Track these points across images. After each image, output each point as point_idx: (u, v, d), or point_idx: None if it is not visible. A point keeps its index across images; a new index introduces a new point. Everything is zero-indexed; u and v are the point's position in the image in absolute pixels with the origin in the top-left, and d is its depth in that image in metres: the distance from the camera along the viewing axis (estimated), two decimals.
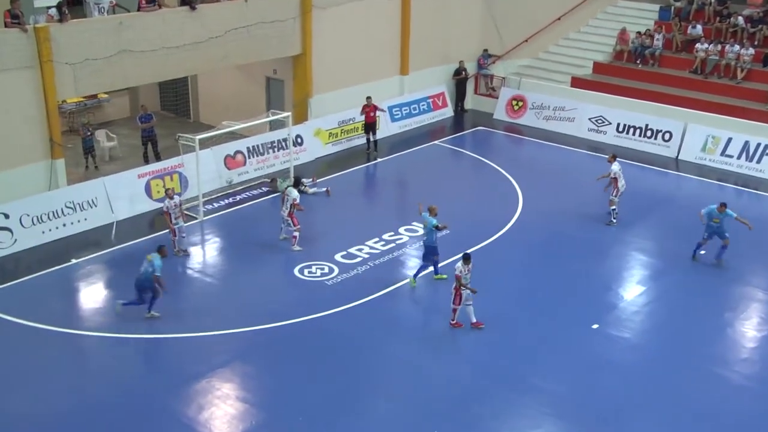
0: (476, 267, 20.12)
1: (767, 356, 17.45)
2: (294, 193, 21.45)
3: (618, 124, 30.75)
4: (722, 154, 28.67)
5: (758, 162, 27.97)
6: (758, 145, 28.03)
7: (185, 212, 22.17)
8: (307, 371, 16.40)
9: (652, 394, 15.84)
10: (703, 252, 21.21)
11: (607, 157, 23.90)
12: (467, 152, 30.07)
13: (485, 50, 34.53)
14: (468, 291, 17.60)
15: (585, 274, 20.43)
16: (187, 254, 21.21)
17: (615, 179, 23.01)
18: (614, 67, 33.57)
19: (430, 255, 19.76)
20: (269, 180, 25.88)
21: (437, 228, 19.43)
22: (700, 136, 29.15)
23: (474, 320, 17.78)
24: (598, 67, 33.87)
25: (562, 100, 32.12)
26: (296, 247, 21.18)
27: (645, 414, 15.28)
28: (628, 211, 23.53)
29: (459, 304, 17.72)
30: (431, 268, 19.96)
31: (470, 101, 34.54)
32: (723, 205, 20.95)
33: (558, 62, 34.46)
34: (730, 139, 28.57)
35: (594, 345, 17.51)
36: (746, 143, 28.25)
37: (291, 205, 21.23)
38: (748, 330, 18.38)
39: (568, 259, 21.16)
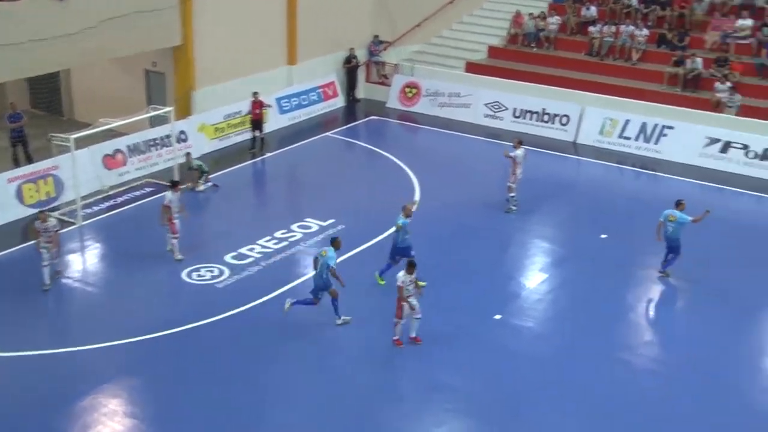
0: (371, 261, 20.28)
1: (669, 338, 18.16)
2: (168, 195, 20.65)
3: (515, 109, 31.38)
4: (620, 136, 29.61)
5: (656, 143, 29.00)
6: (655, 126, 29.06)
7: (64, 218, 21.52)
8: (201, 380, 16.19)
9: (559, 383, 16.24)
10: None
11: (512, 143, 24.25)
12: (360, 143, 30.22)
13: (376, 36, 34.72)
14: (409, 303, 16.95)
15: (486, 263, 20.80)
16: (60, 276, 20.09)
17: (516, 164, 23.46)
18: (509, 51, 34.27)
19: (398, 255, 19.47)
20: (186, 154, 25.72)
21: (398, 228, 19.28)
22: (598, 118, 30.03)
23: (413, 335, 17.32)
24: (492, 51, 34.51)
25: (456, 86, 32.57)
26: (178, 256, 20.72)
27: (553, 403, 15.64)
28: (528, 198, 24.05)
29: (401, 318, 17.11)
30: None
31: (362, 90, 34.70)
32: (680, 203, 20.14)
33: (452, 47, 34.95)
34: (627, 121, 29.53)
35: (498, 336, 17.85)
36: (643, 124, 29.25)
37: (163, 206, 20.51)
38: (651, 312, 19.08)
39: (467, 249, 21.49)
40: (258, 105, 28.52)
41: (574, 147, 29.86)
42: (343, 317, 17.98)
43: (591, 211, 23.99)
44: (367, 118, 32.49)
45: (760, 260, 21.26)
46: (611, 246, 21.91)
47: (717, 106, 29.26)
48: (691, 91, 30.36)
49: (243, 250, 21.15)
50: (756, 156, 27.49)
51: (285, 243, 21.69)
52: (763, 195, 25.93)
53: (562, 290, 19.87)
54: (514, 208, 23.66)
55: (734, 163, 27.72)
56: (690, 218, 19.55)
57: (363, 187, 25.80)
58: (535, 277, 20.38)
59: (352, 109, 33.70)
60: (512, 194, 23.67)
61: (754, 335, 18.27)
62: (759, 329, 18.54)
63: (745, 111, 28.83)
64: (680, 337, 18.12)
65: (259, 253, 21.12)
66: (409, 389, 16.07)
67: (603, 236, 22.31)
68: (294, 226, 22.57)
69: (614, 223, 23.14)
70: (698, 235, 20.43)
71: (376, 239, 21.89)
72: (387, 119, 32.54)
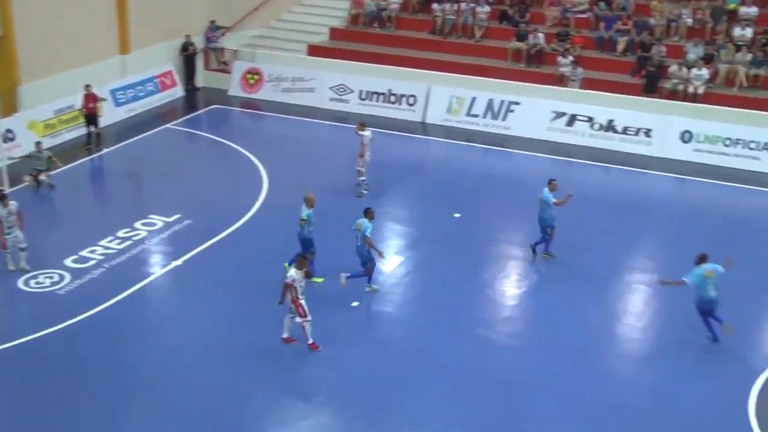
0: (222, 256, 20.10)
1: (527, 313, 18.78)
2: None
3: (360, 92, 31.61)
4: (468, 114, 30.28)
5: (503, 119, 29.81)
6: (502, 102, 29.87)
7: None
8: (49, 394, 15.64)
9: (422, 367, 16.53)
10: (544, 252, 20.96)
11: (354, 127, 24.46)
12: (203, 134, 29.81)
13: (213, 22, 34.21)
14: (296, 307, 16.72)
15: (339, 250, 20.86)
16: None
17: (363, 146, 23.65)
18: (351, 32, 34.47)
19: (302, 248, 19.20)
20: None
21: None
22: (445, 97, 30.61)
23: (285, 335, 17.16)
24: (334, 33, 34.63)
25: (300, 70, 32.53)
26: (11, 266, 19.84)
27: (418, 388, 15.91)
28: (379, 180, 24.32)
29: (306, 316, 16.72)
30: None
31: (201, 78, 34.17)
32: (550, 181, 20.38)
33: (292, 30, 34.87)
34: (474, 99, 30.22)
35: (357, 323, 18.01)
36: (490, 101, 30.01)
37: None
38: (507, 288, 19.64)
39: (320, 237, 21.50)
40: (91, 98, 27.65)
41: (423, 127, 30.36)
42: (373, 285, 18.93)
43: (443, 191, 24.46)
44: (208, 108, 32.05)
45: (611, 231, 22.21)
46: (465, 224, 22.42)
47: (561, 81, 30.34)
48: (535, 67, 31.35)
49: (84, 253, 20.52)
50: (601, 128, 28.68)
51: (129, 242, 21.18)
52: (608, 165, 27.11)
53: (419, 272, 20.21)
54: (365, 192, 23.87)
55: (580, 136, 28.83)
56: (553, 200, 20.10)
57: (208, 179, 25.46)
58: (390, 261, 20.64)
59: (192, 98, 33.17)
60: (362, 178, 23.88)
61: (608, 306, 19.06)
62: (614, 301, 19.34)
63: (587, 84, 30.02)
64: (537, 312, 18.76)
65: (101, 254, 20.54)
66: (267, 385, 15.99)
67: (456, 215, 22.81)
68: (138, 224, 22.06)
69: (467, 202, 23.68)
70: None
71: (227, 232, 21.68)
72: (229, 107, 32.20)
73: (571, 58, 30.46)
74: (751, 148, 27.08)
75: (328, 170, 25.72)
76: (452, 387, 15.95)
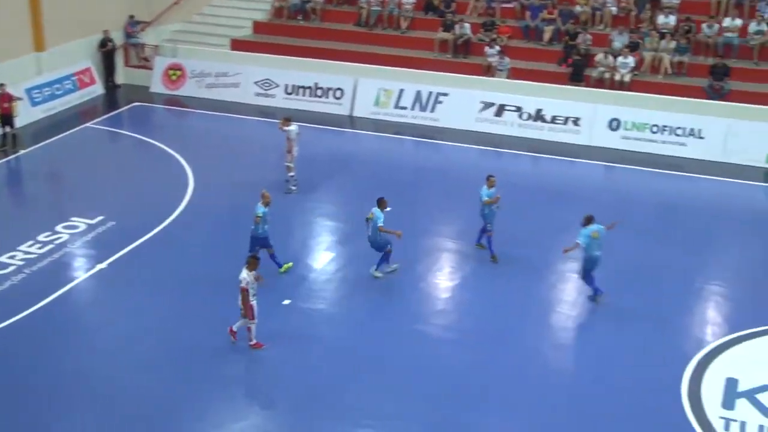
0: (149, 257, 19.87)
1: (462, 305, 18.90)
2: None
3: (286, 86, 31.46)
4: (396, 106, 30.35)
5: (432, 111, 29.95)
6: (430, 93, 30.01)
7: None
8: None
9: (358, 362, 16.52)
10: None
11: (280, 121, 24.32)
12: (125, 132, 29.37)
13: (131, 16, 33.69)
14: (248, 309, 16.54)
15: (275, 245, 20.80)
16: None
17: (291, 142, 23.53)
18: (275, 25, 34.29)
19: (257, 246, 19.12)
20: None
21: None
22: (372, 90, 30.63)
23: (233, 328, 16.94)
24: (258, 26, 34.42)
25: (223, 65, 32.25)
26: None
27: (355, 383, 15.89)
28: (308, 176, 24.24)
29: (253, 318, 16.58)
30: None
31: (122, 75, 33.66)
32: (488, 178, 20.17)
33: (214, 24, 34.57)
34: (402, 91, 30.32)
35: (289, 321, 17.90)
36: (418, 93, 30.13)
37: None
38: (441, 281, 19.74)
39: (248, 237, 21.34)
40: (5, 98, 27.02)
41: (351, 120, 30.37)
42: (392, 265, 19.49)
43: (374, 185, 24.36)
44: (130, 105, 31.57)
45: (543, 220, 22.47)
46: (397, 217, 22.41)
47: (488, 71, 30.60)
48: (463, 57, 31.56)
49: (3, 259, 20.03)
50: (529, 117, 29.00)
51: (51, 246, 20.75)
52: (538, 155, 27.44)
53: (351, 268, 20.18)
54: (294, 188, 23.77)
55: (509, 126, 29.12)
56: (485, 198, 19.99)
57: (132, 179, 25.08)
58: (322, 257, 20.60)
59: (112, 96, 32.64)
60: (291, 174, 23.76)
61: (542, 295, 19.28)
62: (548, 290, 19.56)
63: (515, 73, 30.32)
64: (472, 304, 18.90)
65: (22, 260, 20.08)
66: (203, 387, 15.82)
67: (388, 209, 22.78)
68: (59, 227, 21.62)
69: (398, 195, 23.62)
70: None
71: (153, 232, 21.40)
72: (152, 105, 31.78)
73: (497, 48, 30.73)
74: (678, 135, 27.67)
75: (256, 167, 25.55)
76: (389, 381, 15.98)
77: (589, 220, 18.48)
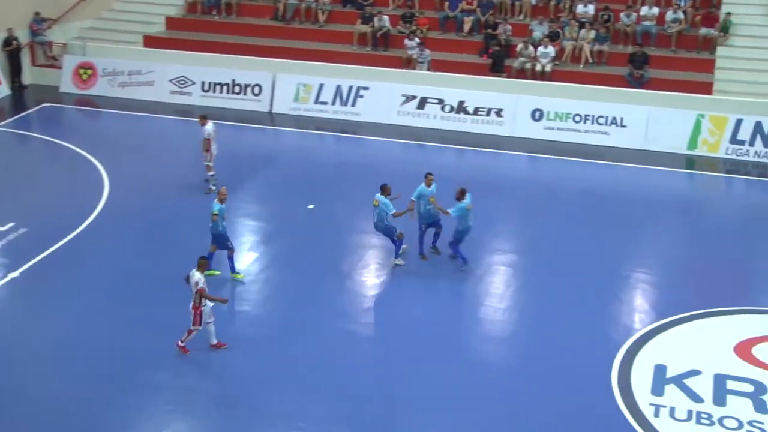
0: (65, 263, 19.49)
1: (389, 303, 18.91)
2: None
3: (203, 83, 31.18)
4: (316, 102, 30.30)
5: (353, 105, 29.96)
6: (350, 88, 30.02)
7: None
8: None
9: (285, 363, 16.39)
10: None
11: (197, 120, 24.08)
12: (35, 134, 28.78)
13: (37, 13, 33.00)
14: (209, 305, 16.31)
15: (191, 249, 20.49)
16: None
17: (208, 141, 23.31)
18: (189, 20, 33.98)
19: (218, 244, 19.22)
20: None
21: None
22: (291, 85, 30.54)
23: (214, 341, 16.73)
24: (171, 22, 34.05)
25: (136, 63, 31.84)
26: None
27: (283, 385, 15.76)
28: (228, 175, 23.95)
29: (199, 325, 16.33)
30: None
31: (29, 75, 33.03)
32: (427, 176, 19.99)
33: (126, 21, 34.10)
34: (322, 86, 30.28)
35: (214, 324, 17.71)
36: (338, 87, 30.11)
37: None
38: (368, 279, 19.75)
39: (168, 238, 21.14)
40: None
41: (271, 117, 30.22)
42: (400, 258, 19.94)
43: (296, 182, 24.42)
44: (39, 106, 30.93)
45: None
46: (320, 215, 22.44)
47: (409, 63, 30.73)
48: (383, 50, 31.64)
49: None
50: (452, 110, 29.21)
51: None
52: (462, 147, 27.66)
53: (275, 267, 20.09)
54: (213, 187, 23.46)
55: (432, 119, 29.30)
56: (430, 196, 19.87)
57: (43, 183, 24.56)
58: (244, 258, 20.44)
59: (19, 97, 31.97)
60: (211, 173, 23.52)
61: (469, 289, 19.39)
62: (475, 284, 19.65)
63: (435, 66, 30.50)
64: (400, 301, 18.93)
65: None
66: (121, 395, 15.56)
67: (310, 206, 22.79)
68: None
69: (321, 192, 23.71)
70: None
71: (67, 238, 20.97)
72: (62, 105, 31.21)
73: (417, 40, 30.87)
74: (600, 123, 28.16)
75: (174, 166, 25.26)
76: (318, 382, 15.90)
77: (463, 194, 19.24)
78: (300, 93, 30.48)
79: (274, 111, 30.50)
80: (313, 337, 17.30)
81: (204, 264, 16.54)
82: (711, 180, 26.61)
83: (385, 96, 29.73)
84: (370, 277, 19.84)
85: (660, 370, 16.14)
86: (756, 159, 27.07)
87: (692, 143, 27.53)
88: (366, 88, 29.94)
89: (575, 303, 18.53)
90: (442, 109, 29.32)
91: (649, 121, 27.90)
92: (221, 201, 19.06)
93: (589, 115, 28.25)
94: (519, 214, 23.24)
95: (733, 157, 27.25)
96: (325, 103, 30.24)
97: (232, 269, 19.36)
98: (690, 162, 27.40)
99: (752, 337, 17.19)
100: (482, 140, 28.19)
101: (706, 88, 28.72)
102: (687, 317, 18.08)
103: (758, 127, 27.09)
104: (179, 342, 16.55)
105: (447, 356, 16.77)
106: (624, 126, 28.04)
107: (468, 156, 27.33)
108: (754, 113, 27.24)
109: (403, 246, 20.02)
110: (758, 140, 27.07)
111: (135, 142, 27.74)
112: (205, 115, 23.91)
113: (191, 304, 16.32)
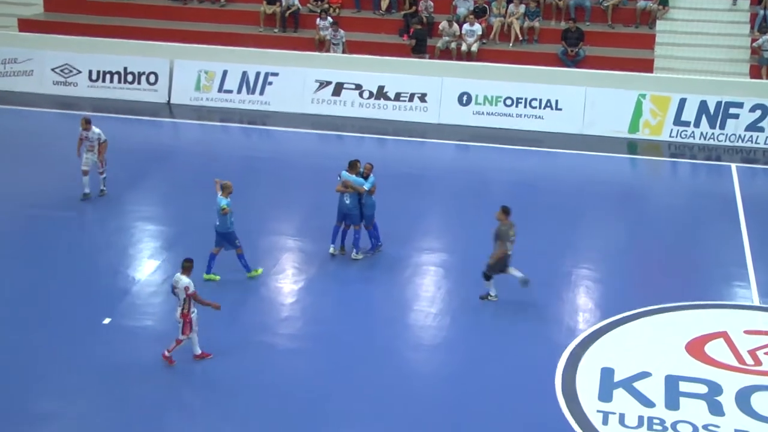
0: None
1: (308, 310, 18.84)
2: None
3: (90, 72, 30.75)
4: (220, 90, 30.10)
5: (261, 94, 29.83)
6: (258, 74, 29.91)
7: None
8: None
9: (193, 386, 16.27)
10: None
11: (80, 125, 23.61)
12: None
13: None
14: (196, 312, 16.26)
15: (73, 259, 20.21)
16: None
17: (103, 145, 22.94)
18: (72, 1, 33.39)
19: (224, 241, 19.29)
20: None
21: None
22: (191, 72, 30.30)
23: (198, 352, 16.61)
24: (50, 3, 33.52)
25: (11, 50, 31.34)
26: None
27: (191, 407, 15.68)
28: (122, 175, 23.74)
29: (189, 334, 16.29)
30: None
31: None
32: (354, 163, 20.16)
33: None
34: (226, 72, 30.09)
35: (111, 344, 17.40)
36: (245, 74, 29.97)
37: None
38: (284, 285, 19.66)
39: (46, 249, 20.70)
40: None
41: (169, 108, 29.92)
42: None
43: (199, 181, 24.09)
44: None
45: (394, 209, 22.65)
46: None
47: (322, 46, 30.71)
48: (292, 31, 31.59)
49: None
50: (371, 96, 29.26)
51: None
52: (384, 137, 27.75)
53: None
54: (104, 189, 23.19)
55: (349, 106, 29.33)
56: (341, 180, 19.97)
57: None
58: (145, 267, 20.17)
59: None
60: (103, 175, 23.14)
61: (397, 293, 19.44)
62: (403, 286, 19.73)
63: (352, 48, 30.53)
64: (322, 308, 18.86)
65: None
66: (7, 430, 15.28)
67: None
68: None
69: None
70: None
71: None
72: None
73: (330, 19, 30.86)
74: (533, 107, 28.52)
75: (60, 166, 24.75)
76: (231, 403, 15.74)
77: (353, 166, 19.72)
78: (201, 81, 30.24)
79: (172, 102, 30.22)
80: (227, 353, 17.08)
81: (189, 267, 16.40)
82: (655, 165, 27.19)
83: (296, 82, 29.66)
84: (287, 283, 19.75)
85: (607, 373, 16.37)
86: (702, 141, 27.73)
87: (633, 126, 28.06)
88: (275, 74, 29.83)
89: (512, 304, 18.70)
90: (360, 95, 29.36)
91: (587, 102, 28.36)
92: (227, 194, 19.11)
93: (521, 98, 28.58)
94: (448, 209, 23.40)
95: (678, 139, 27.86)
96: (229, 91, 30.05)
97: (248, 269, 19.51)
98: (632, 146, 27.93)
99: (704, 334, 17.57)
100: (405, 128, 28.33)
101: (646, 66, 29.31)
102: (634, 315, 18.39)
103: (703, 106, 27.72)
104: (165, 352, 16.43)
105: (376, 367, 16.76)
106: (559, 109, 28.45)
107: (390, 146, 27.45)
108: (698, 92, 27.85)
109: (379, 244, 20.33)
110: (703, 121, 27.69)
111: (12, 140, 27.18)
112: (88, 119, 23.14)
113: (178, 312, 16.27)
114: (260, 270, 19.69)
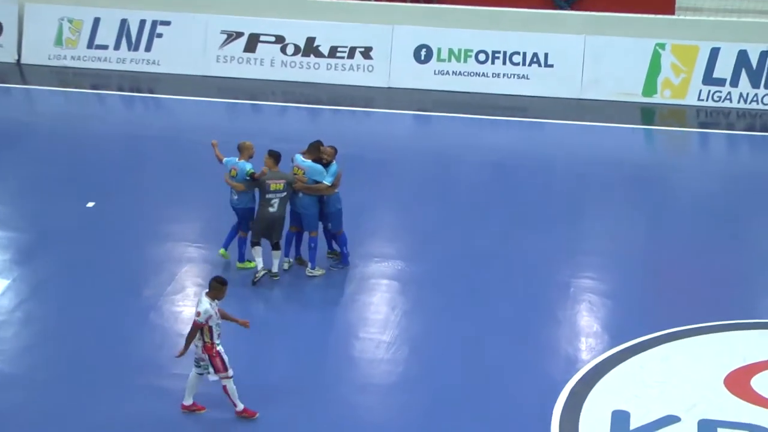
0: None
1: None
2: None
3: None
4: (90, 46, 30.55)
5: (148, 50, 30.00)
6: (142, 23, 30.19)
7: None
8: None
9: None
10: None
11: None
12: None
13: None
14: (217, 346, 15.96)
15: None
16: None
17: None
18: None
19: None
20: None
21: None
22: (50, 22, 31.11)
23: (189, 402, 16.46)
24: None
25: None
26: None
27: None
28: None
29: (227, 370, 15.94)
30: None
31: None
32: (316, 145, 20.52)
33: None
34: (97, 21, 30.65)
35: None
36: (124, 23, 30.22)
37: None
38: (182, 308, 19.51)
39: None
40: None
41: (19, 70, 29.88)
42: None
43: (65, 170, 24.14)
44: None
45: None
46: (104, 217, 22.14)
47: None
48: None
49: None
50: (297, 51, 29.28)
51: None
52: (314, 106, 27.72)
53: (39, 299, 19.65)
54: None
55: (267, 66, 29.46)
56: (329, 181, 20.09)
57: None
58: None
59: None
60: None
61: (345, 315, 19.52)
62: (348, 308, 19.78)
63: None
64: (236, 339, 18.74)
65: None
66: None
67: (90, 204, 22.46)
68: None
69: (104, 183, 23.42)
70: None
71: None
72: None
73: None
74: (515, 63, 28.61)
75: None
76: None
77: (313, 149, 19.98)
78: (64, 33, 30.10)
79: (23, 61, 30.07)
80: (109, 402, 16.93)
81: (219, 289, 16.15)
82: (678, 138, 27.34)
83: (196, 34, 29.63)
84: (187, 306, 19.60)
85: (621, 418, 16.38)
86: (741, 105, 27.87)
87: (649, 87, 28.22)
88: (167, 23, 29.77)
89: (493, 328, 18.67)
90: (283, 50, 29.33)
91: (587, 57, 28.45)
92: (247, 157, 19.53)
93: (498, 52, 28.66)
94: (403, 202, 23.39)
95: (709, 103, 28.01)
96: (104, 47, 29.96)
97: (242, 258, 20.51)
98: (647, 114, 28.11)
99: (750, 364, 17.62)
100: (344, 95, 28.32)
101: (665, 6, 29.39)
102: (654, 340, 18.44)
103: (743, 57, 27.86)
104: (237, 410, 16.24)
105: (311, 418, 16.66)
106: (550, 65, 28.57)
107: (324, 119, 27.44)
108: (735, 39, 27.97)
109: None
110: (743, 78, 27.81)
111: None
112: None
113: (200, 347, 15.98)
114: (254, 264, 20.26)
